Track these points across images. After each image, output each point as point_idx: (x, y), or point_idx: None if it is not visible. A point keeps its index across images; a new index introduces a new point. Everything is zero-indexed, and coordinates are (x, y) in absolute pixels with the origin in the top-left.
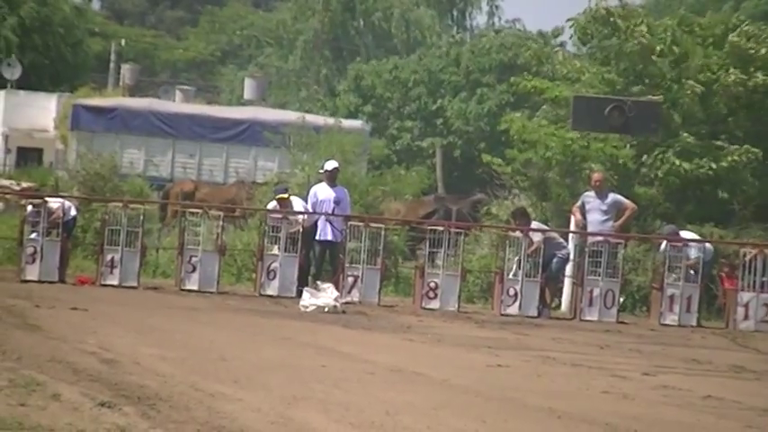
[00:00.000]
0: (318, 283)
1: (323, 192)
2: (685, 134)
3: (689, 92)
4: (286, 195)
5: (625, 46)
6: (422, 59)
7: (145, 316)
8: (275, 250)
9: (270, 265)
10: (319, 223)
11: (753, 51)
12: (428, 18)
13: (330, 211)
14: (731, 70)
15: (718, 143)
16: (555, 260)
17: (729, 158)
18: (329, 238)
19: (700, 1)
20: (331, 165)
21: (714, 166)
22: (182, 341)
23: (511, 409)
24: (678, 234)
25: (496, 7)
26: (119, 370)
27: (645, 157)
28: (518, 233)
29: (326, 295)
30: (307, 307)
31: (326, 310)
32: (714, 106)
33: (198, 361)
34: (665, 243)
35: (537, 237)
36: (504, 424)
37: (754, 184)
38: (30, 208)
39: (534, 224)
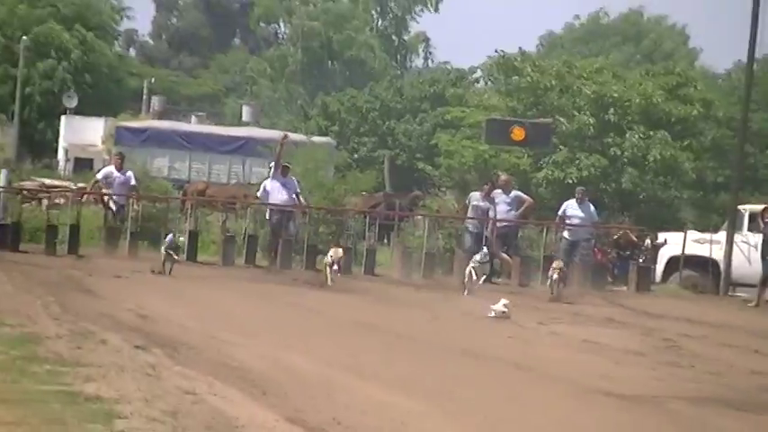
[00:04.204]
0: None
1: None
2: (559, 149)
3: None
4: (290, 166)
5: (520, 82)
6: (372, 91)
7: (171, 282)
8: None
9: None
10: (271, 191)
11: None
12: (382, 60)
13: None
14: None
15: (580, 156)
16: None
17: (585, 169)
18: (284, 198)
19: (581, 51)
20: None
21: (577, 174)
22: (199, 301)
23: (430, 352)
24: (585, 192)
25: (430, 53)
26: (150, 323)
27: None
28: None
29: (499, 304)
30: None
31: (497, 315)
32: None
33: (213, 317)
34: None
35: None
36: (427, 364)
37: (609, 186)
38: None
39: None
